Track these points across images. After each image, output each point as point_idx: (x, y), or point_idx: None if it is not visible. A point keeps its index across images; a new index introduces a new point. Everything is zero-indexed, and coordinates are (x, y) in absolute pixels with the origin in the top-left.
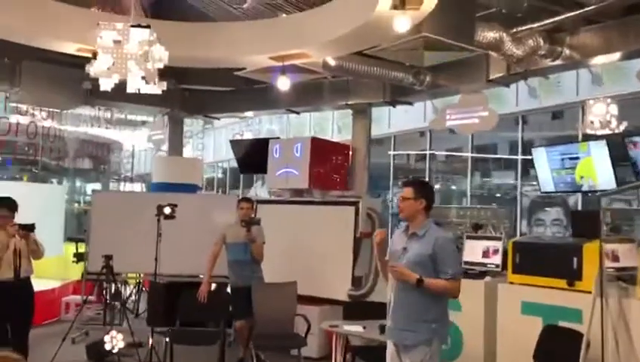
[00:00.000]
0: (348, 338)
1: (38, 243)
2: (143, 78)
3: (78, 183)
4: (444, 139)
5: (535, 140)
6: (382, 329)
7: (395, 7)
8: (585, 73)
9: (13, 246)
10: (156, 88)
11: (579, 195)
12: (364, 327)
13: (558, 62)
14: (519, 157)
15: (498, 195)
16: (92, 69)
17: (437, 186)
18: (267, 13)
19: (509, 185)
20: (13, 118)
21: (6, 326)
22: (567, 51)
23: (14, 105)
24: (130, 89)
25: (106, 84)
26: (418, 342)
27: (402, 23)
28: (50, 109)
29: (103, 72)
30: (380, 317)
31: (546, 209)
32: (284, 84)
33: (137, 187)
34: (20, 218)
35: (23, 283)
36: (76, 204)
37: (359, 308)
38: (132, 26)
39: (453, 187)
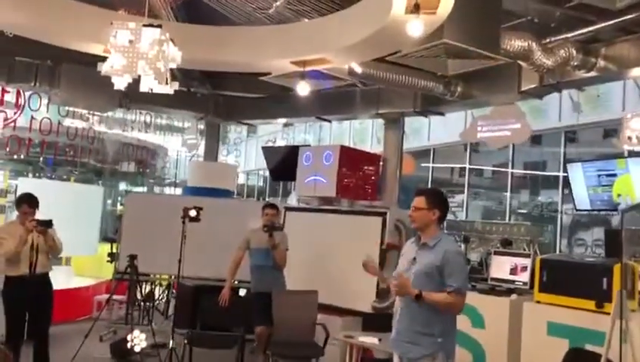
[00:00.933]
0: (370, 350)
1: (55, 239)
2: (155, 77)
3: (124, 186)
4: (491, 154)
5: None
6: None
7: (410, 11)
8: (632, 87)
9: (31, 241)
10: (168, 88)
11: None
12: (380, 339)
13: (592, 73)
14: (560, 173)
15: (544, 214)
16: (103, 68)
17: (480, 202)
18: (291, 18)
19: (556, 203)
20: (65, 121)
21: (24, 321)
22: (601, 62)
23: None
24: (143, 88)
25: (119, 83)
26: (421, 356)
27: (416, 27)
28: (93, 113)
29: (114, 71)
30: None
31: (593, 228)
32: (303, 89)
33: (180, 191)
34: (55, 216)
35: (39, 279)
36: (120, 206)
37: (379, 319)
38: (144, 26)
39: (480, 202)
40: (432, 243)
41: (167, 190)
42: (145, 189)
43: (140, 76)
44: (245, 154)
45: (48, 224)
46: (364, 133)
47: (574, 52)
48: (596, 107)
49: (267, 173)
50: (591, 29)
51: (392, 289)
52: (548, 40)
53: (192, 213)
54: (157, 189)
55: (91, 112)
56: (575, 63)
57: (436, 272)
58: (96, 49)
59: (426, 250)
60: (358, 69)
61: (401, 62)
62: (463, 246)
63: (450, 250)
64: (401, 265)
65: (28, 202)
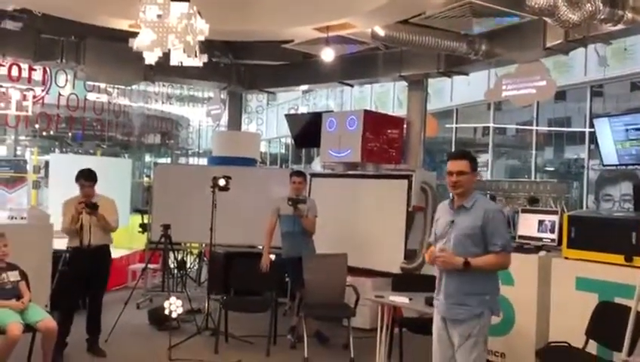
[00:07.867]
0: (401, 310)
1: (105, 218)
2: (185, 51)
3: (148, 158)
4: (514, 113)
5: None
6: (427, 301)
7: None
8: None
9: (81, 220)
10: (197, 61)
11: None
12: (410, 299)
13: (619, 26)
14: (587, 129)
15: (570, 170)
16: (135, 43)
17: (506, 161)
18: None
19: (582, 160)
20: (89, 96)
21: (81, 289)
22: (629, 15)
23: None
24: (173, 62)
25: (150, 58)
26: (471, 316)
27: None
28: (117, 86)
29: (146, 46)
30: (427, 290)
31: (620, 183)
32: (328, 55)
33: (204, 161)
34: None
35: (96, 250)
36: (146, 178)
37: (408, 280)
38: (172, 0)
39: (505, 161)
40: (469, 205)
41: (191, 160)
42: (169, 160)
43: (168, 50)
44: (266, 122)
45: (94, 206)
46: (386, 96)
47: (601, 5)
48: (623, 60)
49: (289, 141)
50: None
51: (436, 265)
52: None
53: (222, 182)
54: (181, 160)
55: (114, 86)
56: (601, 17)
57: (479, 232)
58: (120, 24)
59: (464, 212)
60: (382, 32)
61: (423, 23)
62: None
63: (490, 209)
64: (440, 230)
65: (84, 177)
